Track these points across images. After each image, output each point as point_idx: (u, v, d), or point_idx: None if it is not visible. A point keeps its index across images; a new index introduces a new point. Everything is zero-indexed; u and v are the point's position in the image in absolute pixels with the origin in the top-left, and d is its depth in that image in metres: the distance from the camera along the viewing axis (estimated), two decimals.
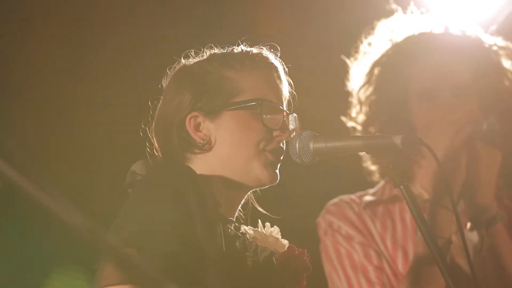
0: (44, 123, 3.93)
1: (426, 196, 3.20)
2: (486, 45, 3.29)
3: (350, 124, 3.36)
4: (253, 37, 2.51)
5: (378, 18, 3.40)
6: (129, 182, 2.35)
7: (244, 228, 2.41)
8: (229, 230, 2.31)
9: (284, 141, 2.41)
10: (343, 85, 3.41)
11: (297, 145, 2.34)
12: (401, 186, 2.25)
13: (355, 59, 3.39)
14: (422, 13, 3.39)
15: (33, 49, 3.90)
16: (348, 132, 3.34)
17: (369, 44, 3.37)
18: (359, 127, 3.33)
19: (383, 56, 3.31)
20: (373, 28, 3.39)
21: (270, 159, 2.38)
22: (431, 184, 3.06)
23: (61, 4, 3.94)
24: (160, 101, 2.47)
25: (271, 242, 2.40)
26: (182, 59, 2.49)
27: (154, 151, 2.48)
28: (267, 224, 2.45)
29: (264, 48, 2.48)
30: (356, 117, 3.35)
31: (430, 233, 2.23)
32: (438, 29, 3.30)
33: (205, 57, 2.47)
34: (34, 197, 1.49)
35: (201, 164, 2.37)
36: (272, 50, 2.48)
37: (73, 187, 3.71)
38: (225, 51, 2.47)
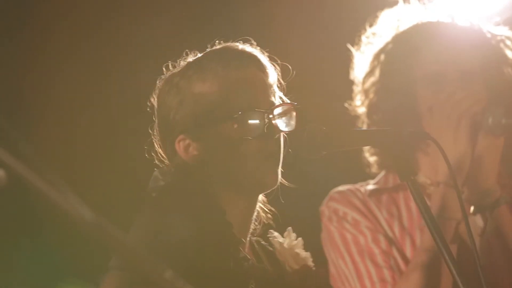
0: (54, 118, 3.94)
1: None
2: (492, 35, 3.27)
3: (354, 113, 3.35)
4: (253, 29, 2.50)
5: (383, 8, 3.39)
6: (152, 187, 2.35)
7: (274, 234, 2.43)
8: (239, 252, 2.29)
9: (281, 139, 2.38)
10: (349, 77, 3.40)
11: (303, 139, 2.32)
12: (408, 181, 2.25)
13: (360, 48, 3.38)
14: (427, 3, 3.38)
15: (44, 48, 3.91)
16: (354, 123, 3.32)
17: (374, 32, 3.36)
18: (363, 116, 3.31)
19: (388, 43, 3.29)
20: (378, 17, 3.38)
21: (268, 163, 2.36)
22: (441, 168, 3.05)
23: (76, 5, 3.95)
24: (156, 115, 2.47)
25: (290, 255, 2.39)
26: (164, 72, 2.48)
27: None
28: (293, 234, 2.44)
29: (240, 42, 2.44)
30: (360, 105, 3.33)
31: (437, 227, 2.23)
32: (444, 19, 3.29)
33: (179, 68, 2.44)
34: (42, 191, 1.49)
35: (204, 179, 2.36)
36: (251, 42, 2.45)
37: (81, 184, 3.71)
38: (199, 57, 2.43)
